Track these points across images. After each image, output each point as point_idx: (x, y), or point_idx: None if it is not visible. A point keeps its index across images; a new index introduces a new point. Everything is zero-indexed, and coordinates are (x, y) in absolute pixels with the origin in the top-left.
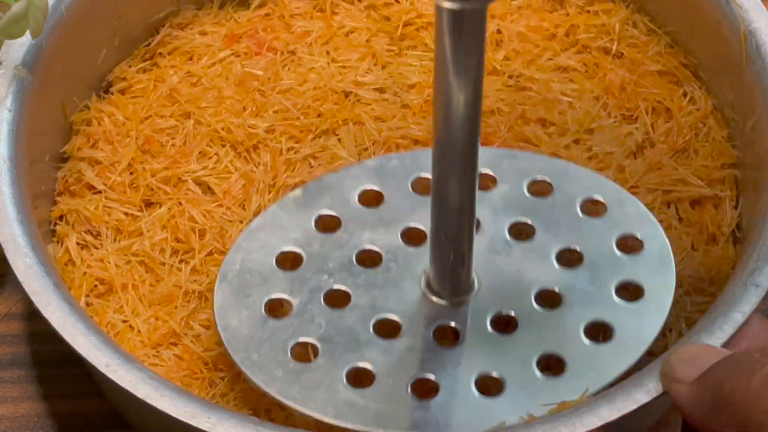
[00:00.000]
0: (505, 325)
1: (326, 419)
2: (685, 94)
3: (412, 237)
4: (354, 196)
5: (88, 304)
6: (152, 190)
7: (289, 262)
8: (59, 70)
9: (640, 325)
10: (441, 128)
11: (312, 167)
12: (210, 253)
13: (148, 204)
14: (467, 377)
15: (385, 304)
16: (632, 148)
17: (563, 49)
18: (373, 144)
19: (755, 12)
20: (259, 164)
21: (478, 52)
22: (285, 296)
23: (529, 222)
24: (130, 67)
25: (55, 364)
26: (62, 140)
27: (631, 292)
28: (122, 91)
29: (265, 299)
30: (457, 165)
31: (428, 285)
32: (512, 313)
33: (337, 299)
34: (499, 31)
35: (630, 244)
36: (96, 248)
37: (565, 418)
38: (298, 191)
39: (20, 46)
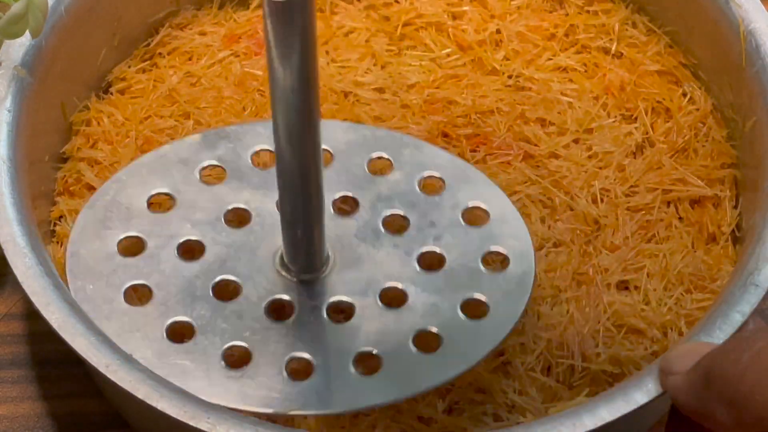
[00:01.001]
0: (340, 312)
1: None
2: (684, 94)
3: None
4: (248, 154)
5: None
6: None
7: (160, 204)
8: (59, 70)
9: (471, 345)
10: (275, 107)
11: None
12: None
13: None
14: (281, 355)
15: (233, 267)
16: (632, 148)
17: (563, 49)
18: None
19: (755, 12)
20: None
21: (302, 37)
22: (141, 236)
23: (407, 216)
24: (129, 67)
25: (55, 364)
26: (62, 140)
27: (478, 309)
28: (122, 92)
29: (122, 235)
30: (296, 141)
31: (281, 257)
32: (350, 302)
33: (190, 250)
34: (498, 31)
35: (495, 260)
36: None
37: (564, 418)
38: (197, 136)
39: (20, 46)
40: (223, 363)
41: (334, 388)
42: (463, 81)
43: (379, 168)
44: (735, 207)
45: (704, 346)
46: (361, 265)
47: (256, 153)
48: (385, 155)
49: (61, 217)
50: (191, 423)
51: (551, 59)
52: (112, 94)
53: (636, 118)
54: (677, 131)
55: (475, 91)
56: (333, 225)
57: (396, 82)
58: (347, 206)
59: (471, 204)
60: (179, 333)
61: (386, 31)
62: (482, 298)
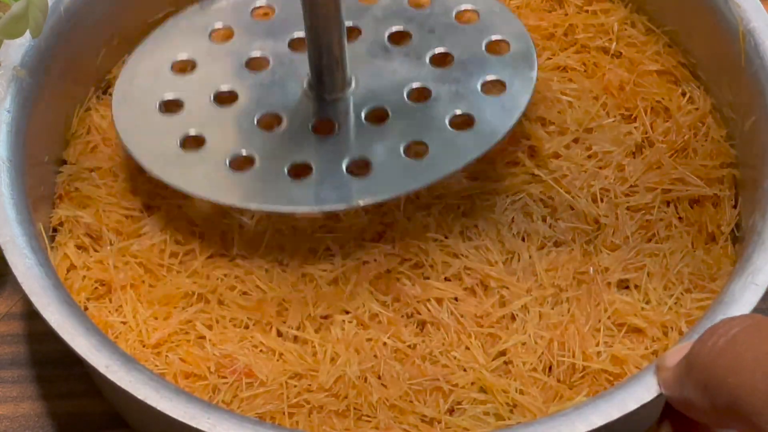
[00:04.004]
0: (378, 117)
1: (205, 195)
2: (683, 94)
3: (299, 45)
4: (248, 11)
5: (86, 308)
6: (150, 194)
7: (183, 69)
8: (58, 71)
9: (500, 116)
10: None
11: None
12: (211, 256)
13: (147, 207)
14: (338, 160)
15: (269, 102)
16: (632, 148)
17: (562, 49)
18: None
19: (753, 11)
20: None
21: None
22: (177, 96)
23: (407, 29)
24: None
25: (55, 364)
26: (61, 142)
27: (494, 87)
28: None
29: (160, 98)
30: None
31: (309, 84)
32: (385, 107)
33: (225, 98)
34: None
35: (498, 47)
36: (95, 250)
37: (565, 417)
38: (195, 6)
39: (19, 46)
40: (290, 178)
41: (394, 176)
42: None
43: None
44: (734, 206)
45: None
46: (381, 76)
47: (254, 9)
48: None
49: (61, 222)
50: (192, 423)
51: (551, 59)
52: (110, 95)
53: (635, 118)
54: (676, 131)
55: None
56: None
57: None
58: (351, 34)
59: (461, 8)
60: (240, 165)
61: None
62: (497, 78)
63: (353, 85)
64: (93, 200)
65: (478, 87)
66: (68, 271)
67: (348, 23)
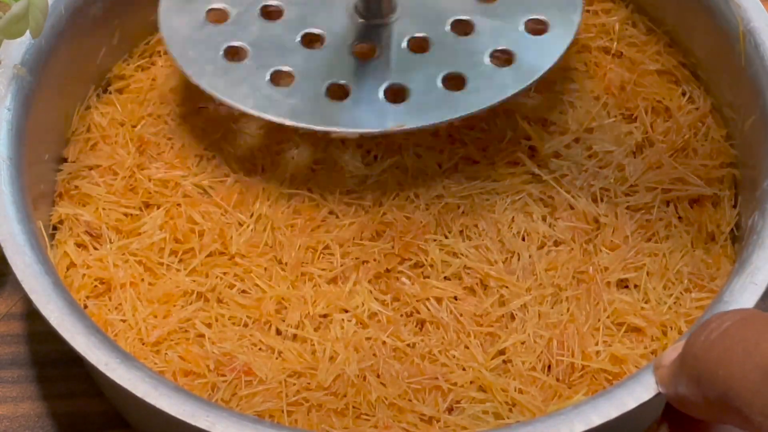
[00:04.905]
0: (419, 46)
1: (246, 109)
2: (684, 94)
3: None
4: None
5: (85, 306)
6: (150, 193)
7: None
8: (58, 69)
9: (540, 55)
10: None
11: (314, 172)
12: (210, 255)
13: (147, 206)
14: (376, 85)
15: (313, 20)
16: (632, 147)
17: None
18: (376, 146)
19: (754, 11)
20: (257, 167)
21: None
22: (224, 6)
23: None
24: (128, 64)
25: (55, 364)
26: (61, 140)
27: (537, 27)
28: (120, 91)
29: (206, 7)
30: None
31: (355, 7)
32: (427, 36)
33: (271, 13)
34: None
35: None
36: (95, 248)
37: (564, 416)
38: None
39: (19, 45)
40: (328, 99)
41: (429, 105)
42: None
43: None
44: (734, 206)
45: None
46: (426, 6)
47: None
48: None
49: (61, 221)
50: (190, 421)
51: None
52: (111, 93)
53: (636, 118)
54: (676, 131)
55: None
56: None
57: None
58: None
59: None
60: (280, 80)
61: None
62: (541, 17)
63: (398, 11)
64: (93, 198)
65: (521, 25)
66: (68, 269)
67: None
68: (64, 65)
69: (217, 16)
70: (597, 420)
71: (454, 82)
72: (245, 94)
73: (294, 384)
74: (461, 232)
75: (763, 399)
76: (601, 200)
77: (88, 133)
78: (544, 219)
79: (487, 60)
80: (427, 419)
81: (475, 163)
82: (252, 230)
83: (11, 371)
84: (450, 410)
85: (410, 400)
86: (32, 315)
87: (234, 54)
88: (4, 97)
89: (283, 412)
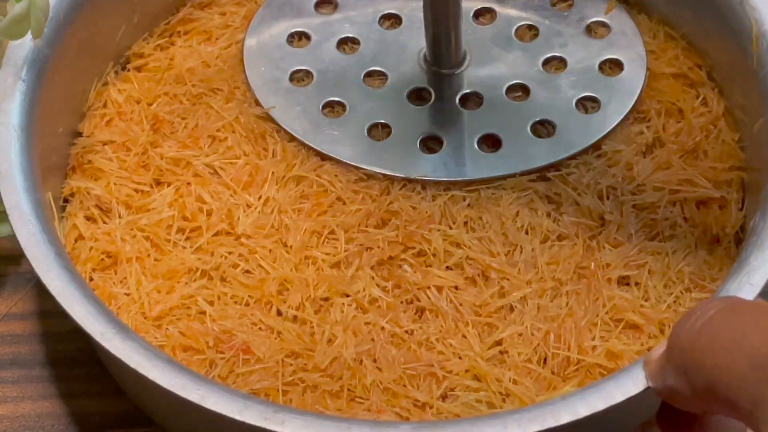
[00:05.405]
0: (473, 102)
1: (288, 129)
2: (698, 96)
3: None
4: None
5: (91, 279)
6: (161, 170)
7: (325, 7)
8: (76, 44)
9: (582, 130)
10: None
11: (322, 159)
12: (217, 234)
13: (158, 183)
14: (416, 132)
15: (383, 60)
16: (642, 147)
17: None
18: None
19: None
20: (267, 151)
21: None
22: (308, 31)
23: (537, 26)
24: (147, 43)
25: (55, 364)
26: (77, 114)
27: (589, 104)
28: (138, 69)
29: (291, 30)
30: None
31: (424, 55)
32: (480, 93)
33: (347, 45)
34: None
35: (611, 68)
36: (104, 222)
37: (552, 406)
38: None
39: None
40: (367, 135)
41: (461, 161)
42: None
43: None
44: (741, 209)
45: None
46: (493, 64)
47: None
48: None
49: (72, 194)
50: (181, 393)
51: None
52: (129, 71)
53: (648, 119)
54: (688, 132)
55: None
56: (472, 31)
57: None
58: (485, 18)
59: (595, 19)
60: (333, 109)
61: None
62: (595, 95)
63: (465, 64)
64: (105, 173)
65: (574, 101)
66: (76, 241)
67: (486, 4)
68: (82, 41)
69: (298, 40)
70: (584, 411)
71: (490, 143)
72: (293, 117)
73: (291, 364)
74: (465, 223)
75: (752, 388)
76: (608, 198)
77: (104, 109)
78: (548, 214)
79: (528, 129)
80: (421, 405)
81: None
82: (259, 212)
83: (11, 371)
84: (444, 397)
85: (405, 386)
86: (32, 315)
87: (300, 77)
88: (21, 69)
89: (278, 391)
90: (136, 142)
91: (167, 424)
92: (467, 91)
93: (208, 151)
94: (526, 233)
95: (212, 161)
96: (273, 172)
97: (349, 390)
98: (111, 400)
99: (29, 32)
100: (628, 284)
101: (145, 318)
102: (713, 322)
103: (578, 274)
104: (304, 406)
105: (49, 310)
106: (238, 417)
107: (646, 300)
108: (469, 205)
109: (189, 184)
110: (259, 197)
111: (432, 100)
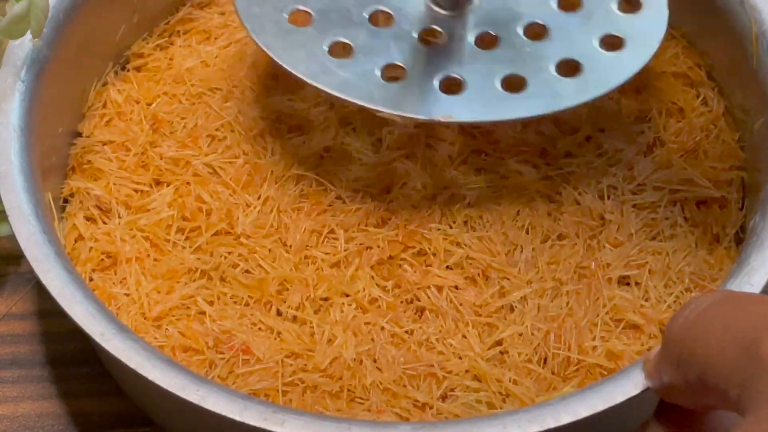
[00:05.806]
0: (487, 42)
1: (296, 73)
2: (698, 96)
3: None
4: None
5: (91, 279)
6: (161, 170)
7: None
8: (76, 44)
9: (608, 72)
10: None
11: (323, 158)
12: (216, 234)
13: (157, 183)
14: (433, 73)
15: (387, 0)
16: (643, 147)
17: None
18: (388, 134)
19: None
20: (267, 150)
21: None
22: None
23: None
24: (147, 43)
25: (55, 364)
26: (77, 115)
27: (613, 43)
28: (138, 69)
29: None
30: None
31: None
32: (496, 34)
33: None
34: None
35: (632, 5)
36: (104, 222)
37: (551, 407)
38: None
39: None
40: (380, 78)
41: (487, 102)
42: None
43: None
44: (741, 209)
45: None
46: (505, 3)
47: None
48: None
49: (72, 194)
50: (181, 394)
51: None
52: (128, 71)
53: (649, 119)
54: (688, 132)
55: None
56: None
57: None
58: None
59: None
60: (338, 51)
61: None
62: (618, 34)
63: (474, 4)
64: (104, 173)
65: (596, 39)
66: (76, 241)
67: None
68: (82, 41)
69: None
70: (584, 412)
71: (514, 84)
72: (299, 59)
73: (291, 365)
74: (466, 222)
75: (742, 373)
76: (608, 197)
77: (103, 109)
78: (549, 214)
79: (552, 68)
80: (421, 405)
81: (485, 155)
82: (259, 212)
83: (11, 371)
84: (444, 398)
85: (405, 386)
86: (32, 315)
87: (299, 18)
88: (20, 69)
89: (278, 391)
90: (135, 142)
91: (167, 425)
92: (480, 30)
93: (207, 151)
94: (527, 233)
95: (211, 161)
96: (272, 171)
97: (348, 390)
98: (111, 400)
99: (29, 32)
100: (628, 284)
101: (145, 318)
102: (706, 313)
103: (578, 273)
104: (304, 407)
105: (48, 310)
106: (237, 417)
107: (646, 300)
108: (469, 204)
109: (188, 183)
110: (259, 196)
111: (445, 40)
